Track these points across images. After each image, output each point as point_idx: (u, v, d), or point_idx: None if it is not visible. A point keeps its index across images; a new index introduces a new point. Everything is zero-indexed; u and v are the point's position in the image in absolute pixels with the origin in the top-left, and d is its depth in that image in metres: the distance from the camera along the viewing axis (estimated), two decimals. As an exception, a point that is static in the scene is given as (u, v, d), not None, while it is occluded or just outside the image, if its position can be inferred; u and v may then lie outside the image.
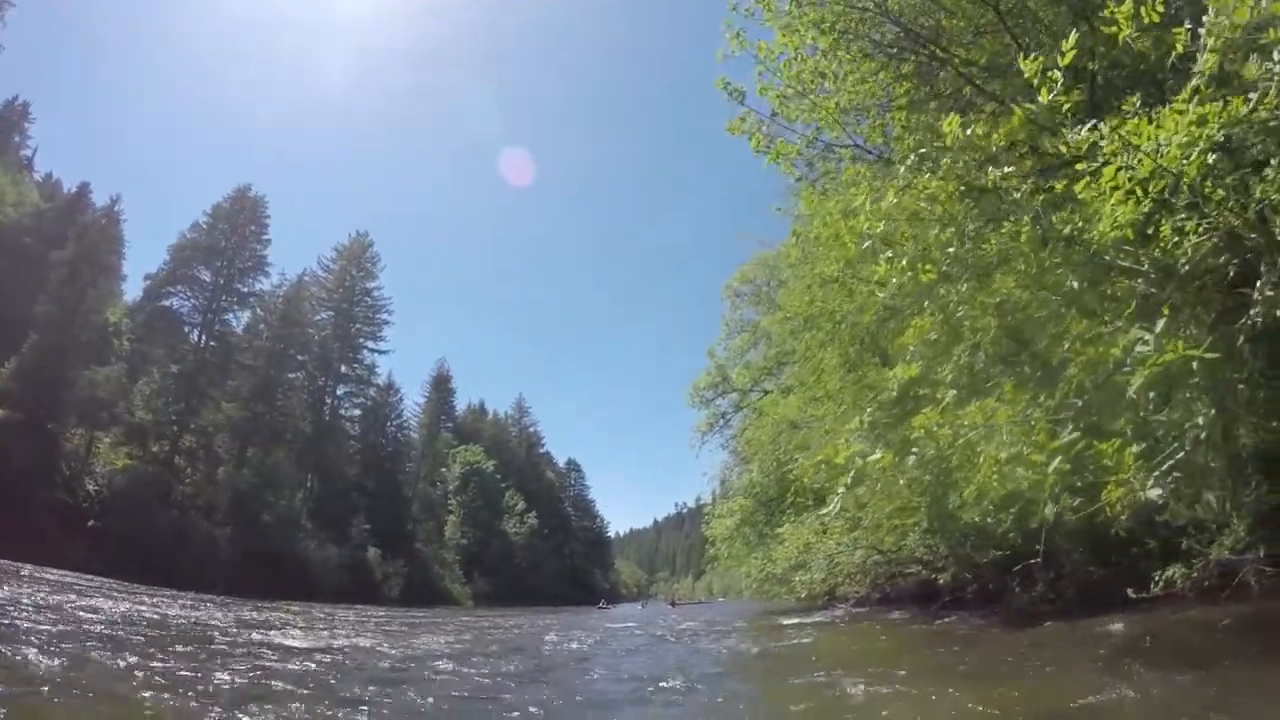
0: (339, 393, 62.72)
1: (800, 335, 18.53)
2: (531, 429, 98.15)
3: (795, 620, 20.22)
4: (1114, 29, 4.86)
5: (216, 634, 13.82)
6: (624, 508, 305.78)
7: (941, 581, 14.88)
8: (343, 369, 62.16)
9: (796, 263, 19.10)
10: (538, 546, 77.83)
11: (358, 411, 66.41)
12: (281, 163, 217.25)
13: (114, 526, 34.29)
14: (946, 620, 14.03)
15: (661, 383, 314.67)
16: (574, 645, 16.39)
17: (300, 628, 17.78)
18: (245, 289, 49.84)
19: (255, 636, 14.07)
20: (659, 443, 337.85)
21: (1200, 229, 4.63)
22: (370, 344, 63.48)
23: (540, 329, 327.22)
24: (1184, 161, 4.40)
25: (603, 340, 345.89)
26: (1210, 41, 4.53)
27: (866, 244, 6.60)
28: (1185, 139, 4.35)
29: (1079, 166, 4.98)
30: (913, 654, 11.06)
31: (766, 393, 31.98)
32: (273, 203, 54.11)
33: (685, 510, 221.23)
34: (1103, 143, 4.65)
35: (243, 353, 49.81)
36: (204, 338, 47.78)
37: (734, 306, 34.79)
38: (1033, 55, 4.93)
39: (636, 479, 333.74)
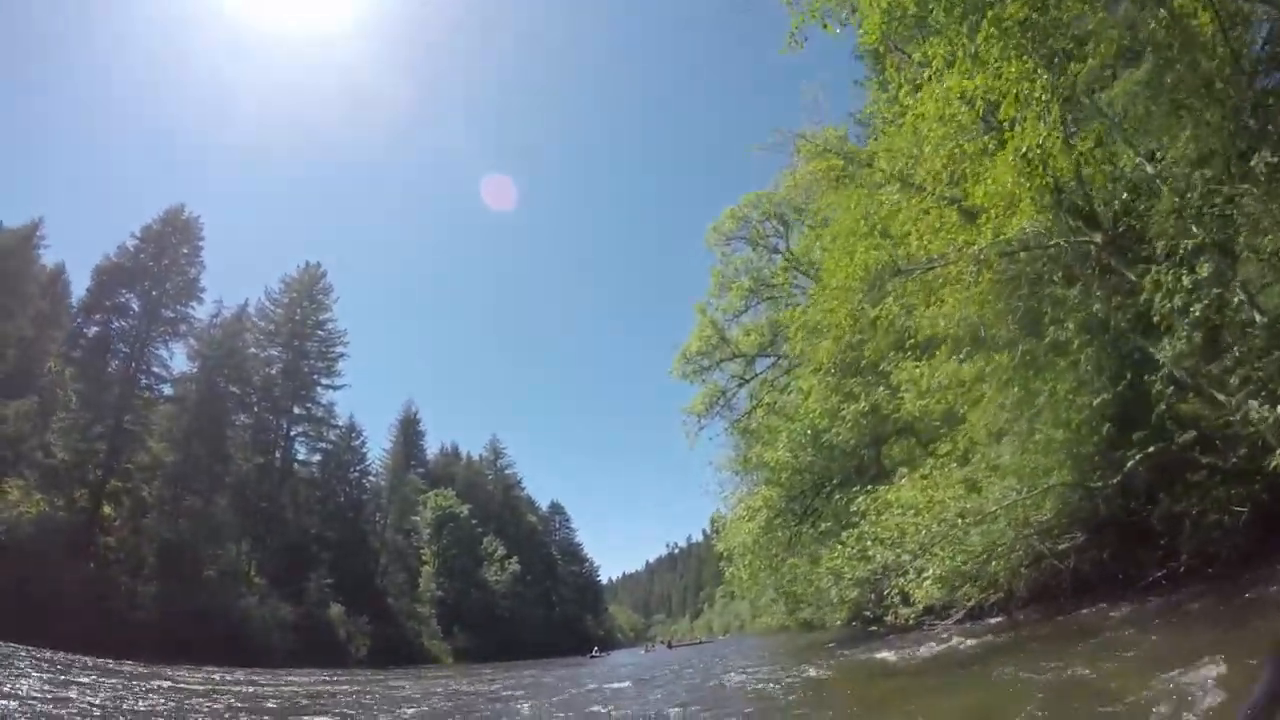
0: (293, 435, 56.69)
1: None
2: (508, 470, 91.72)
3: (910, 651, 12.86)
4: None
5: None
6: (614, 552, 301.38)
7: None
8: (295, 409, 56.15)
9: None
10: (522, 595, 71.18)
11: (317, 457, 60.45)
12: (240, 193, 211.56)
13: (9, 583, 28.02)
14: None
15: (646, 422, 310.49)
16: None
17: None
18: (175, 314, 43.75)
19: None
20: (646, 483, 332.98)
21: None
22: (325, 380, 57.58)
23: (518, 371, 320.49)
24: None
25: (584, 380, 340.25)
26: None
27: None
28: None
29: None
30: None
31: (780, 359, 26.89)
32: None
33: (677, 550, 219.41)
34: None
35: (177, 385, 43.77)
36: (132, 368, 41.61)
37: (725, 256, 29.22)
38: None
39: (625, 522, 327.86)
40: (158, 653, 27.55)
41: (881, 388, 18.55)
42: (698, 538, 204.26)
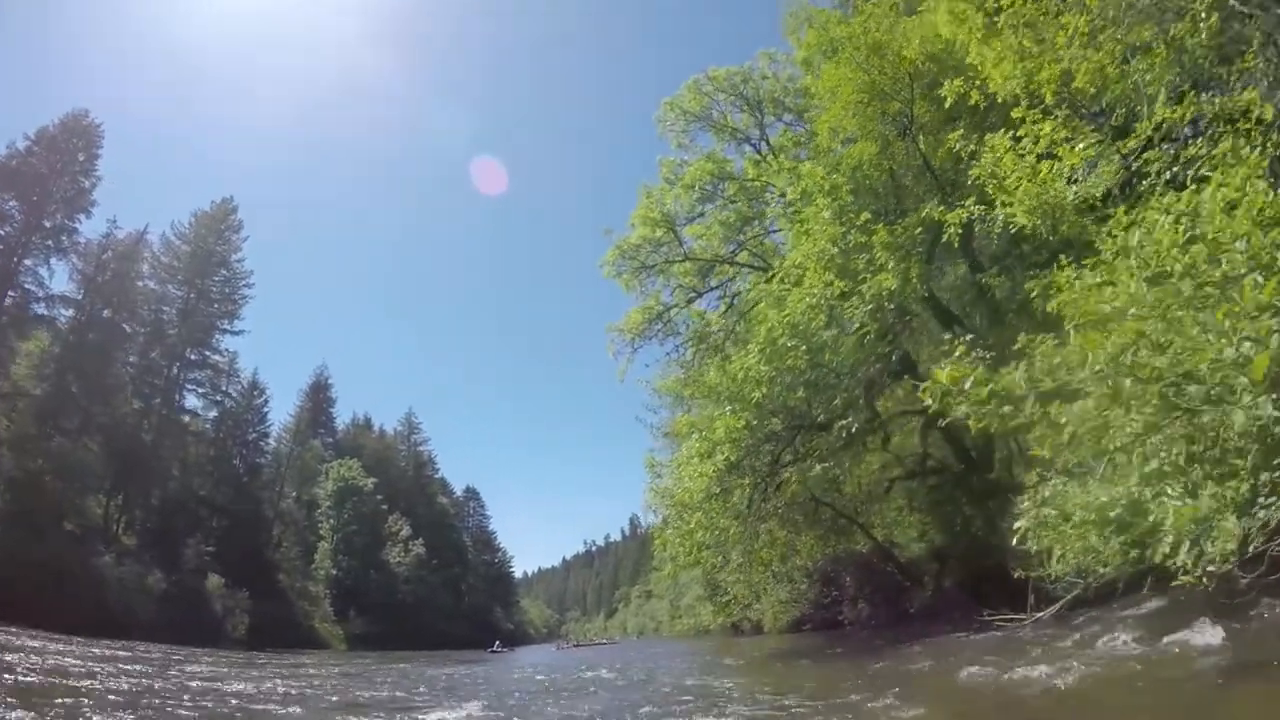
0: (186, 383, 50.79)
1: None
2: (422, 447, 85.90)
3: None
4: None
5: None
6: (532, 548, 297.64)
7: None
8: (190, 354, 50.25)
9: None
10: (426, 580, 66.04)
11: (214, 413, 54.60)
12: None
13: None
14: None
15: (569, 419, 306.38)
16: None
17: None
18: (58, 225, 37.70)
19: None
20: (567, 484, 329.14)
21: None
22: (224, 323, 51.72)
23: (445, 352, 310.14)
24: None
25: (510, 376, 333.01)
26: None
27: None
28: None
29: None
30: None
31: (755, 269, 22.31)
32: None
33: (595, 549, 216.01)
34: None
35: (51, 305, 37.81)
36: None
37: (682, 143, 23.85)
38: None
39: (545, 521, 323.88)
40: None
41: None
42: (616, 537, 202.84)
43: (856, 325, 15.29)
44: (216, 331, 52.02)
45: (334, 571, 58.38)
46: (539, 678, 17.84)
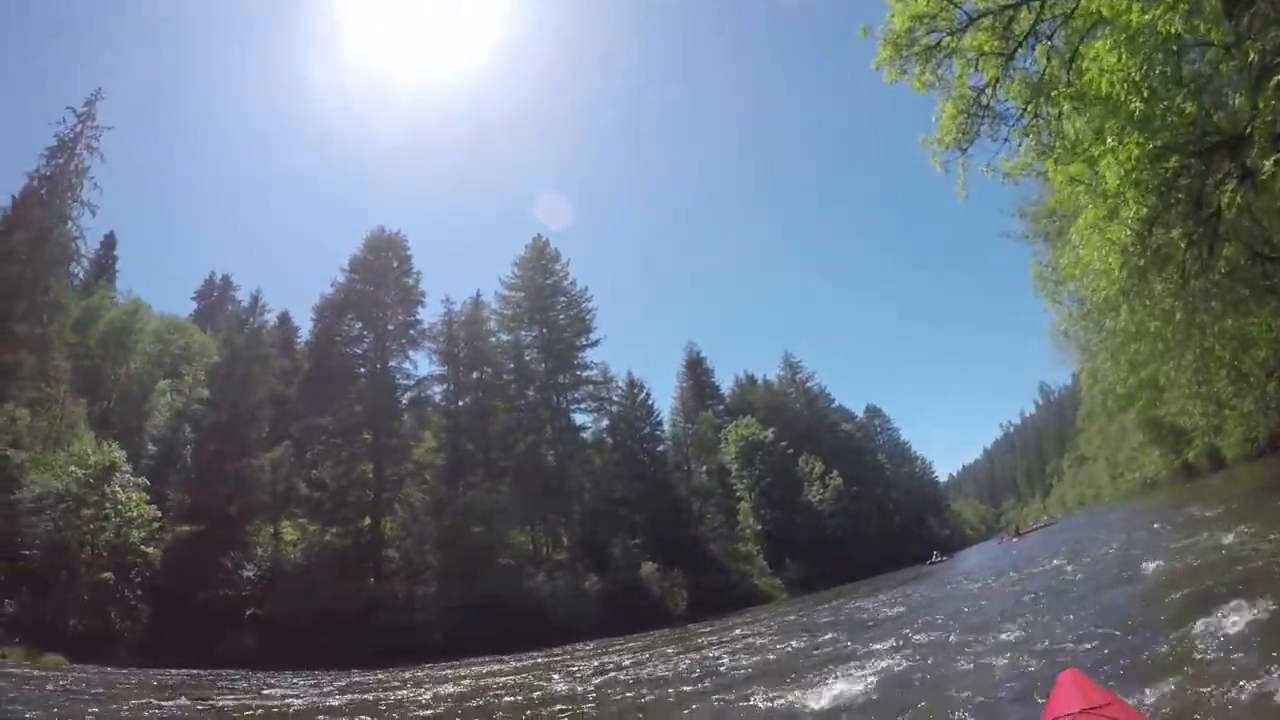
0: (567, 405, 55.96)
1: None
2: (810, 384, 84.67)
3: None
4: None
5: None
6: (948, 449, 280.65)
7: None
8: (562, 379, 55.26)
9: None
10: (850, 510, 64.73)
11: (605, 422, 59.70)
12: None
13: (278, 612, 28.88)
14: None
15: (945, 310, 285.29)
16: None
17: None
18: (401, 322, 44.08)
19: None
20: (963, 373, 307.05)
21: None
22: (580, 339, 55.98)
23: (804, 291, 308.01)
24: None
25: (874, 295, 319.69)
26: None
27: None
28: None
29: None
30: None
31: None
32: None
33: (1012, 429, 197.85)
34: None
35: (422, 387, 44.33)
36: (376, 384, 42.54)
37: None
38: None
39: (954, 416, 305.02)
40: (436, 652, 26.67)
41: None
42: (1030, 411, 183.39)
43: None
44: (577, 351, 56.63)
45: (759, 527, 59.86)
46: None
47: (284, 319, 45.00)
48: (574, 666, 16.60)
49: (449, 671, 20.44)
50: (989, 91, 16.65)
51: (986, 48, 16.40)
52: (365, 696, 13.75)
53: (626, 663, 15.55)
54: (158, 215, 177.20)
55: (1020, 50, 16.18)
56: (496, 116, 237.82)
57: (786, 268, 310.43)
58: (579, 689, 11.64)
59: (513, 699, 11.23)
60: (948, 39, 16.63)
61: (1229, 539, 9.88)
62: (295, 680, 19.18)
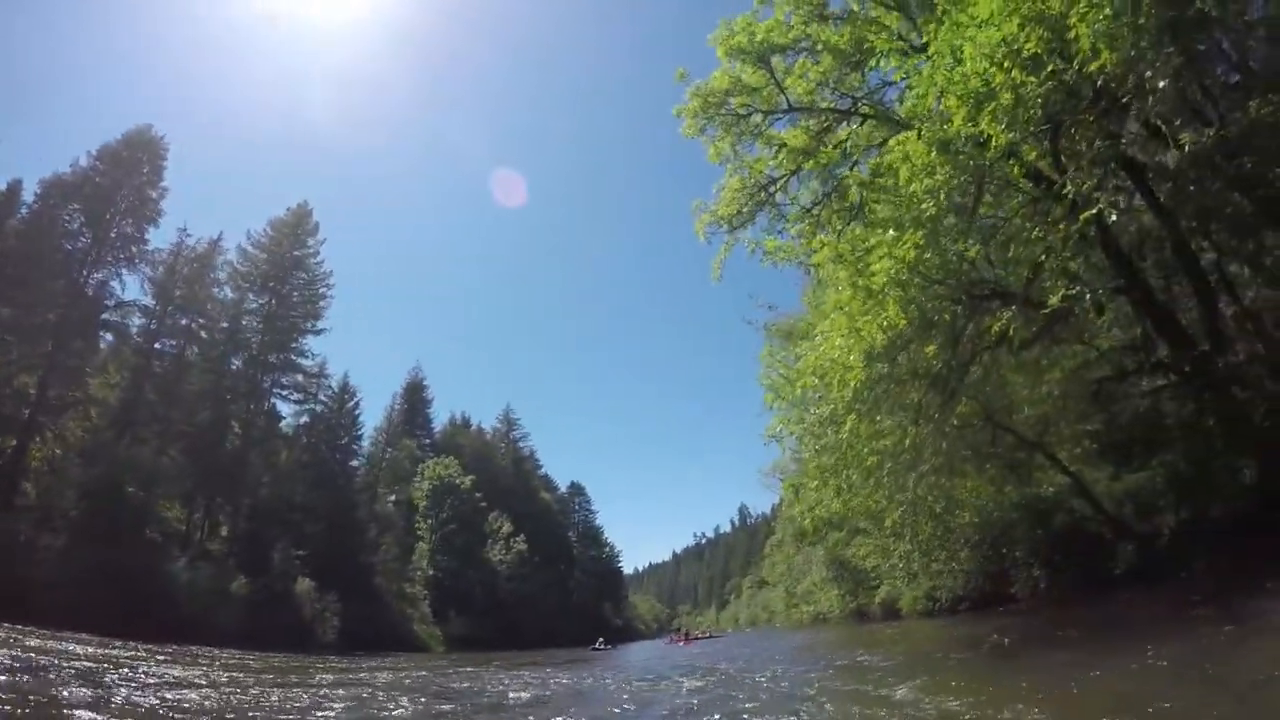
0: (274, 389, 50.62)
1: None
2: (522, 443, 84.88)
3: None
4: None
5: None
6: (641, 543, 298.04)
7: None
8: (274, 359, 49.93)
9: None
10: (530, 577, 64.46)
11: (305, 418, 54.54)
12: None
13: None
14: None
15: (672, 416, 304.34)
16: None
17: None
18: (125, 234, 37.58)
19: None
20: (674, 476, 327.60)
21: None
22: (306, 323, 51.14)
23: (544, 363, 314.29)
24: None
25: (608, 379, 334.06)
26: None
27: None
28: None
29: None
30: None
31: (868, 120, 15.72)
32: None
33: (704, 540, 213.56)
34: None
35: (123, 312, 37.75)
36: (73, 292, 35.47)
37: None
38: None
39: (654, 514, 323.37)
40: (69, 619, 22.34)
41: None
42: (726, 528, 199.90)
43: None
44: (299, 334, 51.66)
45: (432, 572, 57.38)
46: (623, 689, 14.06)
47: (13, 188, 36.21)
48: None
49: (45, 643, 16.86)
50: (779, 184, 17.16)
51: (793, 143, 16.82)
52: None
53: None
54: None
55: (825, 159, 16.83)
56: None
57: (531, 322, 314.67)
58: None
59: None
60: (759, 119, 16.99)
61: (901, 692, 9.24)
62: None
